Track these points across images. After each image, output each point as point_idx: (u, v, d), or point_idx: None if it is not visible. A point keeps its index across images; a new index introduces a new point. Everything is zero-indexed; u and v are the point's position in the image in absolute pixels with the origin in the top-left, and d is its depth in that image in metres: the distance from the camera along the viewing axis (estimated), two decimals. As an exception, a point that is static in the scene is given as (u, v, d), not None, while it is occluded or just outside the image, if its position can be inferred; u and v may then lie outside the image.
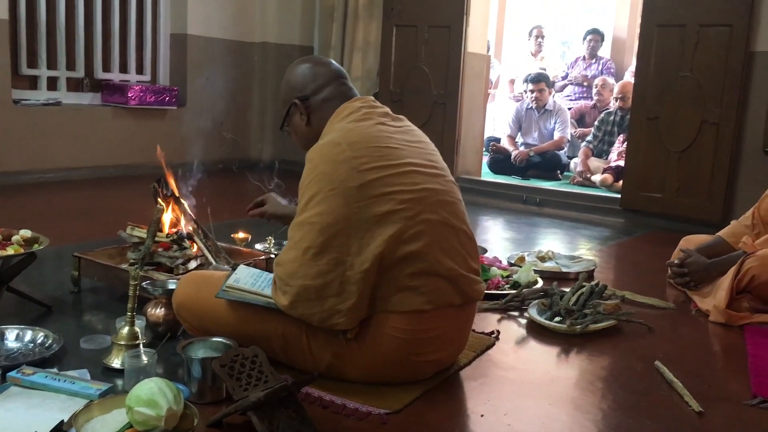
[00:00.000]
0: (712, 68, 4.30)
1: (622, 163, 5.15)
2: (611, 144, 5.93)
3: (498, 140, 6.59)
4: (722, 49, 4.25)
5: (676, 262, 2.94)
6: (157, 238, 2.42)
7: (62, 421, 1.47)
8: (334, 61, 2.00)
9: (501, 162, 6.14)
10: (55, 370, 1.75)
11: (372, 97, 1.93)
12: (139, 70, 5.78)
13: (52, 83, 5.23)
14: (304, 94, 1.89)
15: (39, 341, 1.93)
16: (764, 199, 2.94)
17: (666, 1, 4.43)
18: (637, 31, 4.82)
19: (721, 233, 3.00)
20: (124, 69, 5.65)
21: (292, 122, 1.95)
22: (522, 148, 6.20)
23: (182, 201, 2.52)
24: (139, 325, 1.89)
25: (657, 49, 4.50)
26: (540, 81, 6.28)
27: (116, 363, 1.82)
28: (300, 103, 1.89)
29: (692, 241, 3.09)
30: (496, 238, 4.10)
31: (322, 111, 1.88)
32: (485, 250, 3.27)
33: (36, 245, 2.27)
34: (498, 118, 7.38)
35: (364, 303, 1.66)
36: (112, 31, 5.51)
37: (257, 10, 6.30)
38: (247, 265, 2.05)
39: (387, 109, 1.90)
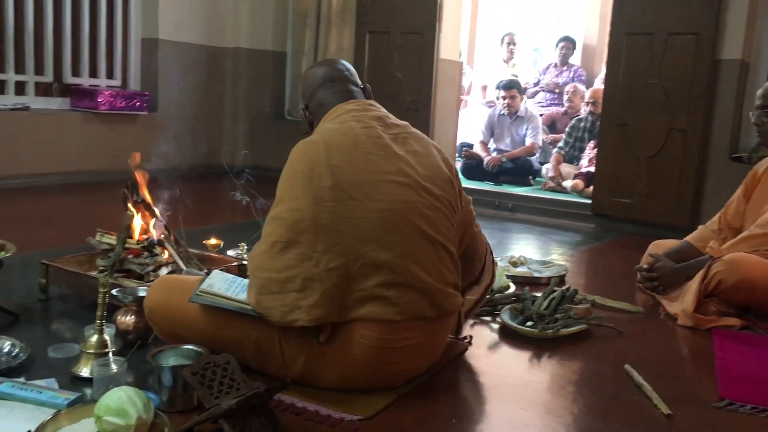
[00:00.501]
0: (680, 76, 4.38)
1: (593, 168, 5.22)
2: (582, 150, 6.00)
3: (471, 146, 6.63)
4: (689, 57, 4.33)
5: (645, 266, 2.98)
6: (127, 245, 2.40)
7: (29, 431, 1.45)
8: (335, 64, 2.00)
9: (474, 168, 6.18)
10: (22, 379, 1.72)
11: (370, 101, 1.93)
12: (109, 75, 5.72)
13: (20, 88, 5.14)
14: (305, 103, 1.99)
15: (6, 350, 1.89)
16: (730, 205, 3.00)
17: (634, 10, 4.51)
18: (607, 39, 4.89)
19: (688, 238, 3.05)
20: (93, 74, 5.58)
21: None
22: (494, 154, 6.25)
23: (153, 207, 2.50)
24: (109, 333, 1.87)
25: (626, 56, 4.57)
26: (512, 87, 6.34)
27: (85, 372, 1.79)
28: (304, 111, 2.00)
29: (661, 245, 3.14)
30: (468, 244, 4.11)
31: (319, 116, 1.93)
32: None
33: (3, 252, 2.23)
34: (470, 124, 7.43)
35: (328, 304, 1.66)
36: (81, 35, 5.45)
37: (229, 16, 6.27)
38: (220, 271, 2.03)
39: (383, 114, 1.89)
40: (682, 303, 2.64)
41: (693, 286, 2.61)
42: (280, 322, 1.67)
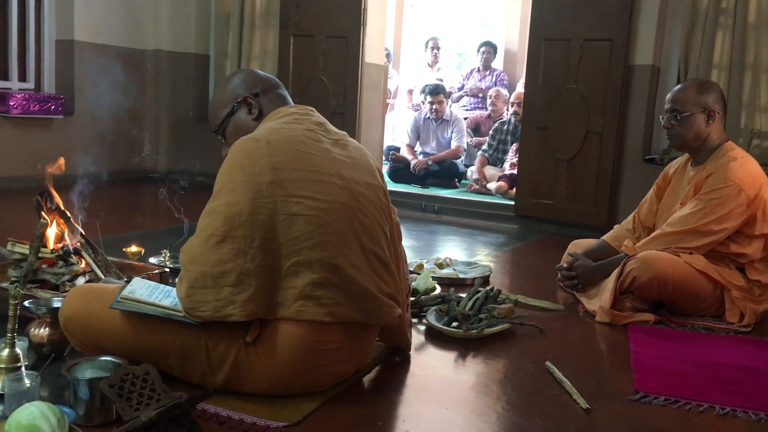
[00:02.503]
0: (595, 80, 4.54)
1: (516, 171, 5.34)
2: (505, 153, 6.14)
3: (397, 149, 6.69)
4: (604, 62, 4.50)
5: (564, 265, 3.07)
6: (41, 254, 2.30)
7: (-67, 453, 1.37)
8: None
9: (400, 171, 6.24)
10: (-75, 398, 1.63)
11: (311, 108, 1.96)
12: (22, 78, 5.49)
13: (-77, 90, 4.89)
14: (255, 92, 1.94)
15: None
16: (644, 204, 3.12)
17: (552, 17, 4.65)
18: (527, 44, 5.02)
19: (605, 237, 3.16)
20: (4, 76, 5.34)
21: (237, 121, 1.94)
22: (421, 157, 6.32)
23: (68, 214, 2.41)
24: (21, 347, 1.79)
25: (544, 61, 4.71)
26: (439, 93, 6.43)
27: (-5, 388, 1.71)
28: (253, 99, 1.93)
29: (579, 245, 3.24)
30: (395, 247, 4.14)
31: (268, 109, 1.92)
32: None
33: None
34: (397, 128, 7.49)
35: (262, 299, 1.65)
36: (-10, 35, 5.22)
37: (149, 17, 6.12)
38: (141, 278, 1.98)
39: (323, 120, 1.93)
40: (599, 300, 2.73)
41: (609, 283, 2.70)
42: (212, 317, 1.65)
